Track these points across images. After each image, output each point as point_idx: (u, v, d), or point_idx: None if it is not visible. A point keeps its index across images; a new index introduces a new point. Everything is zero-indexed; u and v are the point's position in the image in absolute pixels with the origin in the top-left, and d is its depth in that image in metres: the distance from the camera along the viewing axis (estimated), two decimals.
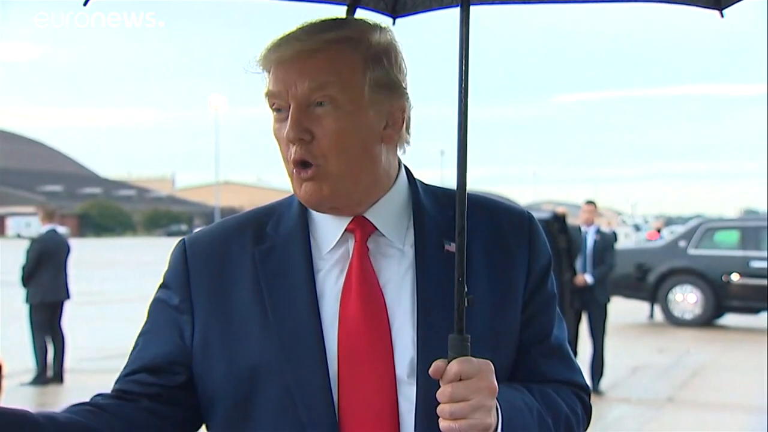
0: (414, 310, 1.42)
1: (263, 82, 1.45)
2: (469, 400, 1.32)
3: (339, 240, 1.46)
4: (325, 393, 1.39)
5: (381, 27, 1.47)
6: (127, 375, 1.49)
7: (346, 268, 1.44)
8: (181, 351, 1.46)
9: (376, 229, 1.45)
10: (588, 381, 9.84)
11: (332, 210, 1.45)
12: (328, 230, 1.46)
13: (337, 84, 1.39)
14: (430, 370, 1.35)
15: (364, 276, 1.43)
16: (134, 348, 1.52)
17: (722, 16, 1.78)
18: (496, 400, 1.36)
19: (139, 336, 1.53)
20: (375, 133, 1.43)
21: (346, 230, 1.45)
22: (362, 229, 1.45)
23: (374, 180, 1.45)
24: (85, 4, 1.69)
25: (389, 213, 1.47)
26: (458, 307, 1.37)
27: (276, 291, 1.43)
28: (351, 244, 1.46)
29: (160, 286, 1.52)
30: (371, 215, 1.46)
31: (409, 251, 1.46)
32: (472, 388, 1.32)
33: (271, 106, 1.44)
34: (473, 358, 1.35)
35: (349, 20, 1.49)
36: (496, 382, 1.35)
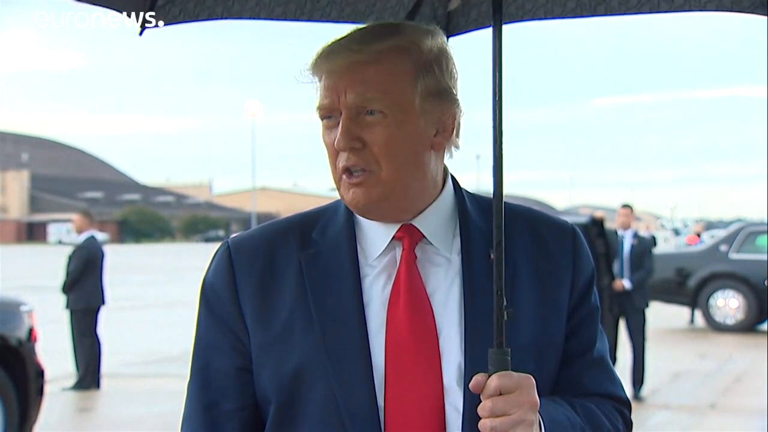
0: (461, 318, 1.41)
1: (315, 88, 1.44)
2: (510, 415, 1.31)
3: (386, 247, 1.45)
4: (370, 399, 1.38)
5: (433, 32, 1.46)
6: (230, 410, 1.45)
7: (394, 275, 1.43)
8: (247, 359, 1.44)
9: (424, 237, 1.45)
10: (628, 387, 9.68)
11: (379, 216, 1.44)
12: (376, 237, 1.45)
13: (389, 95, 1.39)
14: (470, 385, 1.34)
15: (412, 284, 1.42)
16: (200, 366, 1.47)
17: None
18: (538, 414, 1.35)
19: (199, 352, 1.49)
20: (425, 141, 1.42)
21: (393, 238, 1.45)
22: (410, 237, 1.44)
23: (423, 187, 1.44)
24: (140, 33, 1.73)
25: (436, 221, 1.46)
26: (497, 321, 1.37)
27: (322, 296, 1.42)
28: (398, 252, 1.45)
29: (205, 290, 1.49)
30: (419, 223, 1.45)
31: (456, 260, 1.45)
32: (512, 402, 1.31)
33: (321, 116, 1.43)
34: (513, 373, 1.34)
35: (400, 26, 1.47)
36: (537, 396, 1.34)
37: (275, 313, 1.43)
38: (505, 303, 1.37)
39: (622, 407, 1.52)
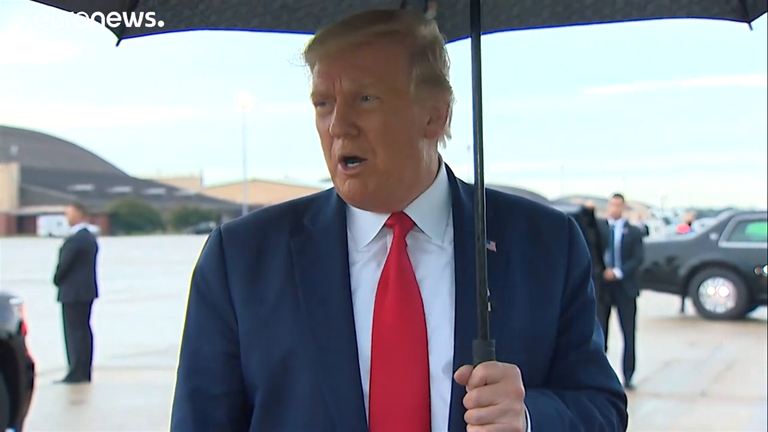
0: (452, 307, 1.41)
1: (306, 76, 1.43)
2: (496, 404, 1.31)
3: (377, 234, 1.45)
4: (354, 383, 1.37)
5: (427, 20, 1.46)
6: (212, 395, 1.45)
7: (383, 262, 1.43)
8: (235, 344, 1.44)
9: (415, 224, 1.45)
10: (620, 376, 9.88)
11: (374, 207, 1.44)
12: (367, 224, 1.45)
13: (384, 80, 1.39)
14: (455, 376, 1.34)
15: (401, 270, 1.42)
16: (190, 352, 1.48)
17: (751, 28, 1.78)
18: (524, 404, 1.34)
19: (188, 338, 1.49)
20: (419, 129, 1.42)
21: (384, 225, 1.44)
22: (401, 225, 1.44)
23: (417, 176, 1.44)
24: (117, 44, 1.75)
25: (428, 209, 1.46)
26: (481, 312, 1.36)
27: (309, 280, 1.42)
28: (389, 239, 1.44)
29: (195, 276, 1.49)
30: (410, 211, 1.45)
31: (449, 248, 1.45)
32: (498, 392, 1.31)
33: (315, 103, 1.42)
34: (499, 362, 1.34)
35: (396, 12, 1.47)
36: (522, 385, 1.34)
37: (263, 298, 1.43)
38: (488, 294, 1.36)
39: (617, 400, 1.49)
